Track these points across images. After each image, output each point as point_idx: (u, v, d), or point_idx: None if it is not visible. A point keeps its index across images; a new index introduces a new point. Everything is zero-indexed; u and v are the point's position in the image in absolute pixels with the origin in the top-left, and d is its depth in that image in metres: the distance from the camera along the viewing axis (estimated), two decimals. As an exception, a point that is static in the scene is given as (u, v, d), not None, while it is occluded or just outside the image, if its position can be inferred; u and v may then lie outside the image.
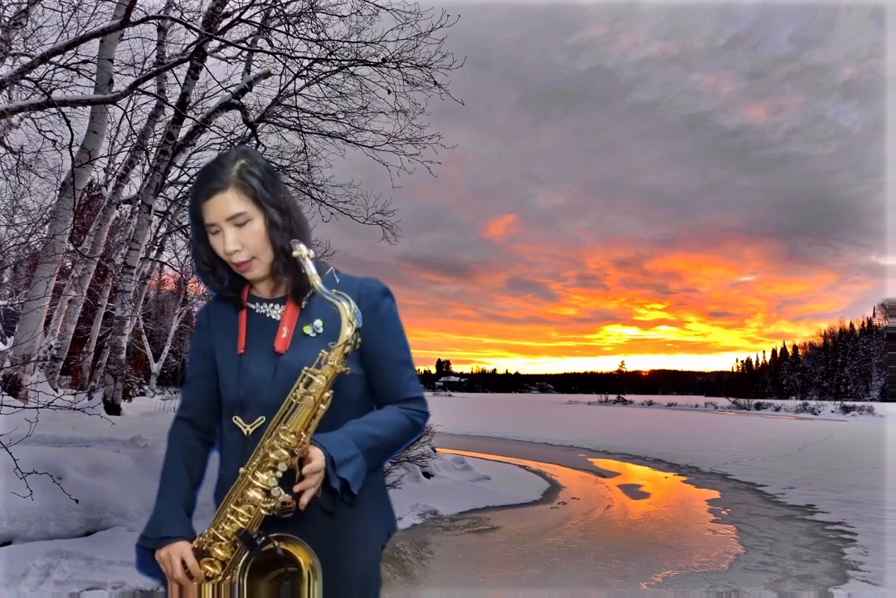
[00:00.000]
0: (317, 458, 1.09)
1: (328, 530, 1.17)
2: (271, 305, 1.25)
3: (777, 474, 9.72)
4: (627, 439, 16.04)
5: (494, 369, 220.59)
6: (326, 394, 1.12)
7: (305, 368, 1.12)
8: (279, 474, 1.08)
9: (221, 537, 1.11)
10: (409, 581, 4.16)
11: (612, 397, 70.34)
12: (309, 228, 1.28)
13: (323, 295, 1.15)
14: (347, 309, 1.14)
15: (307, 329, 1.21)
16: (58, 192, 7.67)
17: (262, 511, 1.09)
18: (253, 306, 1.26)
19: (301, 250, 1.17)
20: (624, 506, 7.12)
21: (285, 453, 1.08)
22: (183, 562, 1.12)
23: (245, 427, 1.17)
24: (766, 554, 4.94)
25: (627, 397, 75.91)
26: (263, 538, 1.08)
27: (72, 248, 9.05)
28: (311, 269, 1.16)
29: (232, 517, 1.10)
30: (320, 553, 1.12)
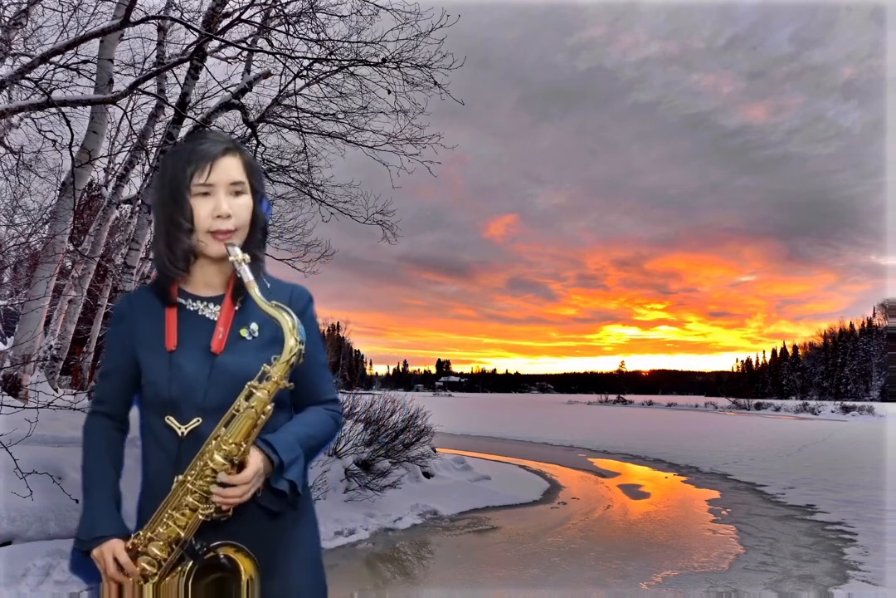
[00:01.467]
0: (250, 468, 1.09)
1: (266, 532, 1.17)
2: (204, 303, 1.22)
3: (777, 474, 9.72)
4: (627, 439, 16.03)
5: (494, 369, 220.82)
6: (269, 407, 1.11)
7: (249, 383, 1.11)
8: (218, 481, 1.08)
9: (158, 539, 1.10)
10: (409, 581, 4.16)
11: (612, 397, 70.34)
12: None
13: (261, 305, 1.13)
14: (289, 321, 1.12)
15: (244, 332, 1.20)
16: (58, 192, 7.67)
17: (200, 517, 1.08)
18: (184, 302, 1.22)
19: (236, 255, 1.15)
20: (624, 506, 7.12)
21: (225, 462, 1.08)
22: (115, 560, 1.11)
23: (180, 428, 1.15)
24: (766, 554, 4.94)
25: (627, 397, 75.91)
26: (206, 548, 1.08)
27: (72, 248, 9.04)
28: (247, 275, 1.14)
29: (169, 522, 1.10)
30: (259, 556, 1.12)
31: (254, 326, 1.20)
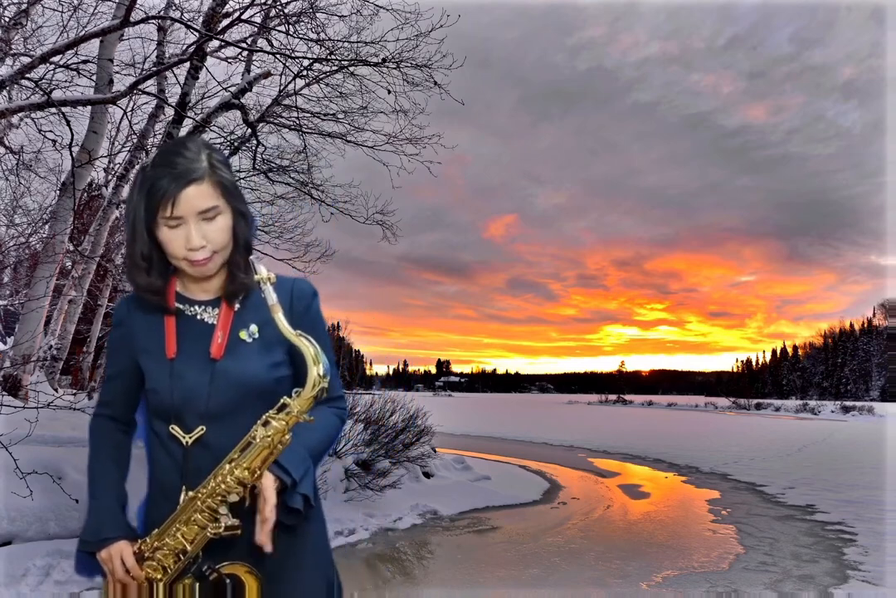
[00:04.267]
0: (268, 494, 1.07)
1: (277, 545, 1.15)
2: (203, 307, 1.20)
3: (777, 474, 9.72)
4: (627, 439, 16.03)
5: (494, 369, 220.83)
6: (286, 437, 1.09)
7: (267, 414, 1.09)
8: (229, 501, 1.08)
9: (164, 548, 1.11)
10: (409, 581, 4.16)
11: (612, 397, 70.33)
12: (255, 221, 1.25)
13: (285, 333, 1.11)
14: (311, 350, 1.10)
15: (243, 334, 1.18)
16: (58, 192, 7.67)
17: (209, 534, 1.08)
18: (182, 307, 1.20)
19: (261, 273, 1.12)
20: (624, 506, 7.12)
21: (238, 487, 1.07)
22: (123, 563, 1.12)
23: (184, 437, 1.14)
24: (766, 554, 4.94)
25: (627, 397, 75.93)
26: (211, 570, 1.09)
27: (72, 248, 9.04)
28: (271, 296, 1.11)
29: (177, 535, 1.10)
30: (272, 570, 1.13)
31: (253, 327, 1.18)
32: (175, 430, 1.14)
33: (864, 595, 4.02)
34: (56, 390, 8.77)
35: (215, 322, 1.18)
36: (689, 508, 7.08)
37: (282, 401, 1.10)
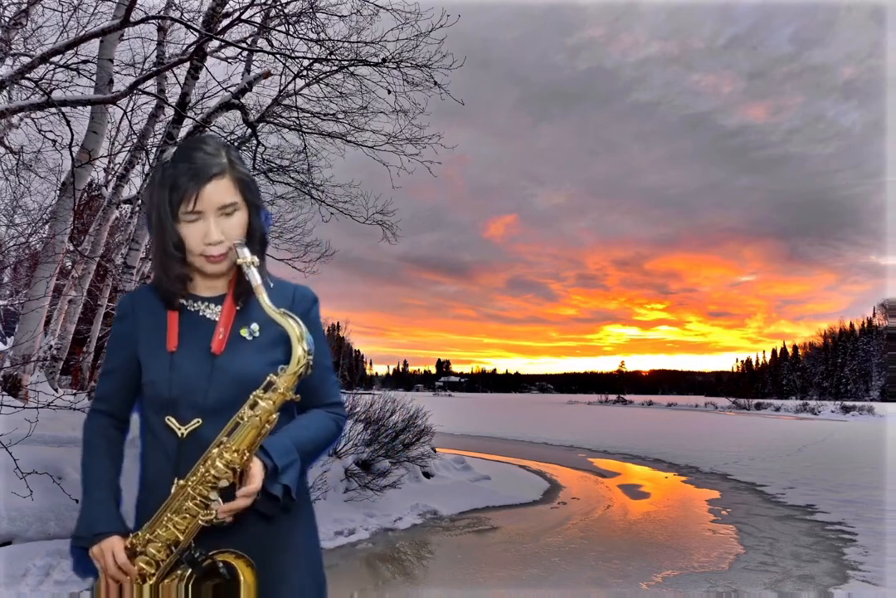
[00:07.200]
0: (254, 478, 1.08)
1: (263, 535, 1.17)
2: (206, 303, 1.22)
3: (777, 474, 9.72)
4: (627, 439, 16.04)
5: (494, 369, 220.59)
6: (273, 416, 1.10)
7: (254, 393, 1.11)
8: (219, 488, 1.08)
9: (156, 541, 1.10)
10: (409, 581, 4.16)
11: (612, 397, 70.31)
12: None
13: (269, 312, 1.12)
14: (297, 330, 1.11)
15: (244, 332, 1.19)
16: (58, 192, 7.66)
17: (200, 522, 1.08)
18: (186, 303, 1.22)
19: (245, 257, 1.13)
20: (624, 506, 7.12)
21: (227, 470, 1.07)
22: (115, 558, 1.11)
23: (179, 429, 1.14)
24: (766, 554, 4.94)
25: (627, 397, 75.94)
26: (204, 557, 1.08)
27: (72, 248, 9.04)
28: (256, 278, 1.13)
29: (168, 525, 1.10)
30: (256, 559, 1.13)
31: (255, 326, 1.20)
32: (171, 421, 1.15)
33: (864, 595, 4.03)
34: (56, 390, 8.76)
35: (217, 319, 1.20)
36: (689, 508, 7.08)
37: (268, 379, 1.11)
